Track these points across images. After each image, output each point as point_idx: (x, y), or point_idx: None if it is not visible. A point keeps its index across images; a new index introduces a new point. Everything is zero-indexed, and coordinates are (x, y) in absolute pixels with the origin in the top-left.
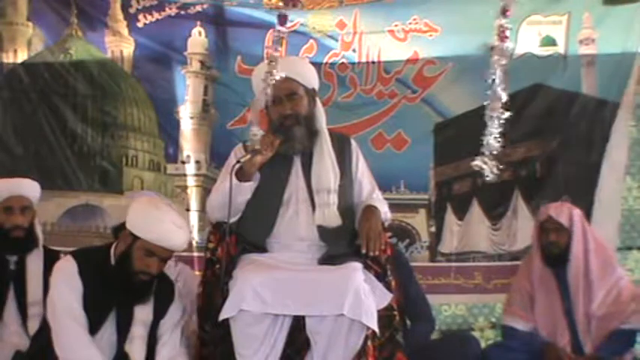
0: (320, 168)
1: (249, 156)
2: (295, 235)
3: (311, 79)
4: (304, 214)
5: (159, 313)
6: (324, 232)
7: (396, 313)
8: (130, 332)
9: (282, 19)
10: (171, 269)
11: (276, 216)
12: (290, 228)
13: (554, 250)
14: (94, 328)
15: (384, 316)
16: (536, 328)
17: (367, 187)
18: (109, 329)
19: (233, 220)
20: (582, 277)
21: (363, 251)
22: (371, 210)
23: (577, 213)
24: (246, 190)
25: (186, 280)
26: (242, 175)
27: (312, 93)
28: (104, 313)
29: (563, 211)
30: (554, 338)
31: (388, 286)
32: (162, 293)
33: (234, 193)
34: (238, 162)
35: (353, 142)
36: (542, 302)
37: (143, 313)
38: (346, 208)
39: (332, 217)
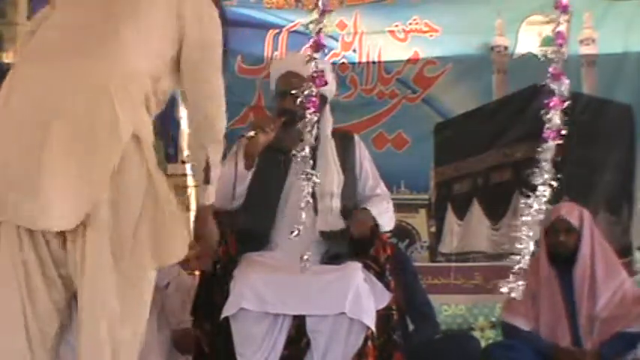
0: (324, 173)
1: (253, 132)
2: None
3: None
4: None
5: None
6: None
7: (394, 312)
8: None
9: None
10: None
11: (277, 205)
12: (291, 215)
13: (562, 250)
14: None
15: (383, 315)
16: (537, 327)
17: (371, 180)
18: None
19: (234, 205)
20: (588, 278)
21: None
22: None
23: (587, 215)
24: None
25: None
26: (245, 156)
27: (323, 99)
28: None
29: (574, 212)
30: (555, 339)
31: (387, 286)
32: None
33: (234, 181)
34: (242, 136)
35: (356, 138)
36: (545, 302)
37: None
38: (348, 208)
39: (334, 222)
